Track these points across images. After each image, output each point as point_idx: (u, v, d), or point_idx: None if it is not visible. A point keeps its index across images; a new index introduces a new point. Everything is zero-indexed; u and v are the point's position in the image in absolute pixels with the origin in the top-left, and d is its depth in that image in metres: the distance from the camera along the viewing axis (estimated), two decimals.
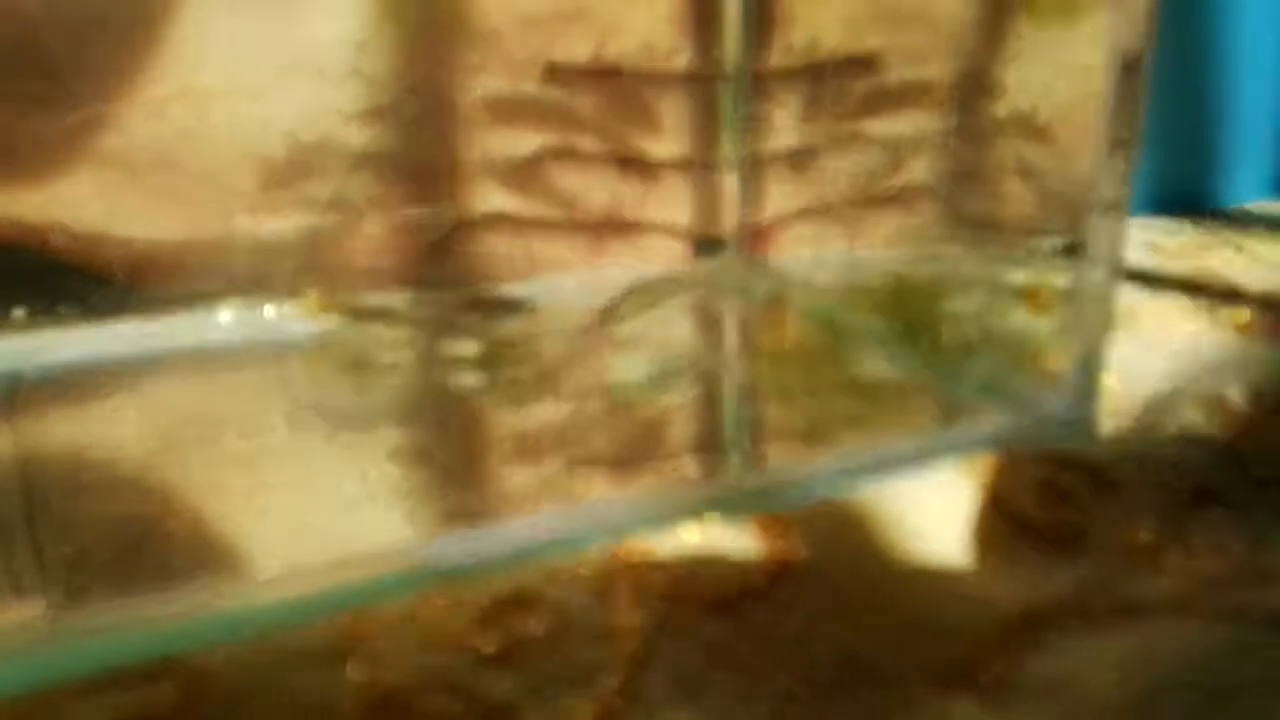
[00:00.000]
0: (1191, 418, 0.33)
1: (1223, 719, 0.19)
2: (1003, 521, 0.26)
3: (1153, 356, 0.40)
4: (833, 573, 0.24)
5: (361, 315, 0.40)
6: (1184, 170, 0.69)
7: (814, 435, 0.32)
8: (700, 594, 0.23)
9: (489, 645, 0.21)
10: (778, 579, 0.24)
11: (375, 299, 0.42)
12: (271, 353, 0.41)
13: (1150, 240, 0.60)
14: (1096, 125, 0.31)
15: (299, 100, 0.43)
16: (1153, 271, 0.53)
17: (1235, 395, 0.34)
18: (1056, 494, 0.27)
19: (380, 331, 0.40)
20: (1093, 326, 0.32)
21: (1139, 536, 0.25)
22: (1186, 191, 0.68)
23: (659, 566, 0.23)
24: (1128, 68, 0.31)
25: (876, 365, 0.34)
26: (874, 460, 0.29)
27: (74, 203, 0.41)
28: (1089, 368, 0.32)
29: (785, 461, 0.30)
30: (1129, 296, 0.48)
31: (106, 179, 0.41)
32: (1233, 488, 0.28)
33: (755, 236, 0.51)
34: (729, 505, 0.26)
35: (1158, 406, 0.34)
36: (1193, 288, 0.49)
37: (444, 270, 0.47)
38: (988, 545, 0.26)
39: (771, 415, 0.35)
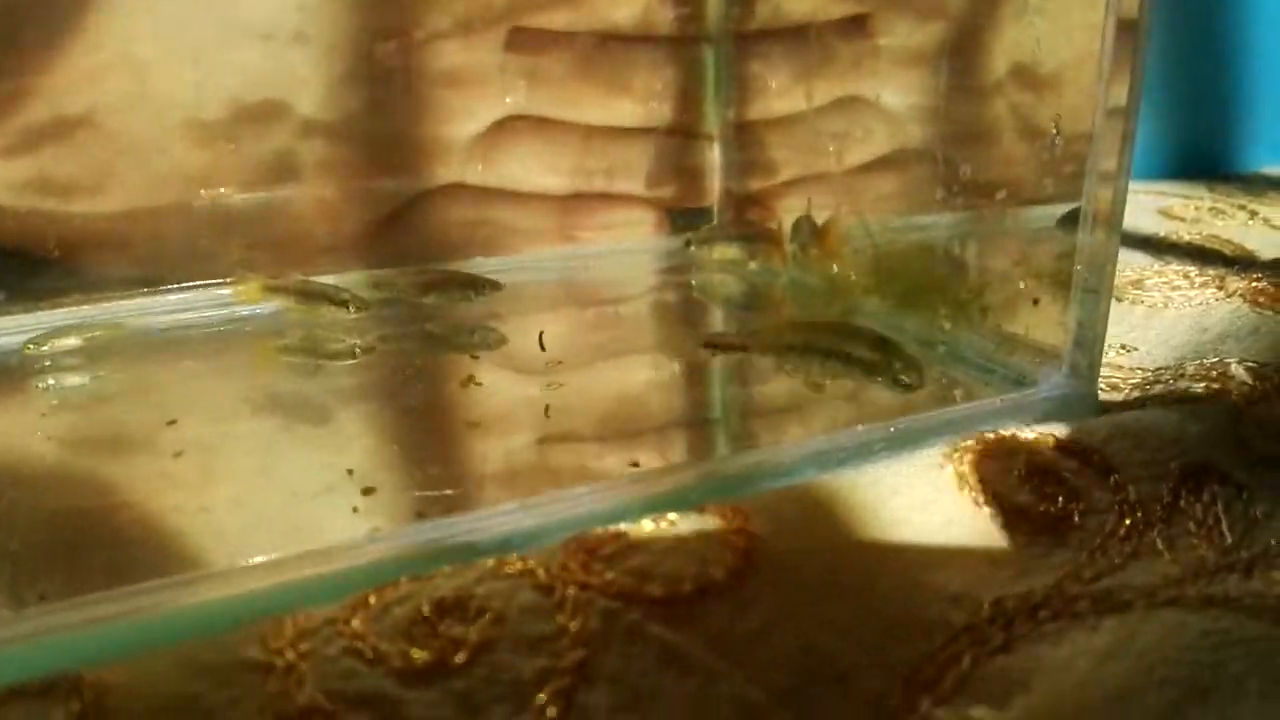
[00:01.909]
0: (1194, 391, 0.31)
1: (1198, 715, 0.17)
2: (987, 507, 0.24)
3: (1157, 327, 0.38)
4: (799, 566, 0.23)
5: (309, 297, 0.38)
6: (1201, 133, 0.66)
7: (786, 416, 0.31)
8: (653, 591, 0.21)
9: (419, 654, 0.19)
10: (739, 574, 0.22)
11: (322, 279, 0.40)
12: (216, 337, 0.40)
13: (1163, 205, 0.57)
14: (1095, 88, 0.29)
15: (242, 65, 0.41)
16: (1162, 238, 0.50)
17: (1241, 369, 0.32)
18: (1045, 477, 0.25)
19: (329, 315, 0.38)
20: (1091, 297, 0.30)
21: (1128, 522, 0.23)
22: (1203, 155, 0.65)
23: (609, 561, 0.22)
24: (1125, 28, 0.29)
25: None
26: (851, 442, 0.27)
27: (4, 179, 0.39)
28: (1087, 341, 0.30)
29: (751, 445, 0.28)
30: (1136, 264, 0.46)
31: (40, 153, 0.40)
32: (1233, 467, 0.26)
33: (742, 206, 0.49)
34: (691, 493, 0.25)
35: (1159, 380, 0.32)
36: (1203, 255, 0.47)
37: (402, 245, 0.45)
38: (970, 533, 0.24)
39: (742, 395, 0.33)
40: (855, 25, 0.44)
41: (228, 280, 0.41)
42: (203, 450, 0.29)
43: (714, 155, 0.47)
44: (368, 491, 0.25)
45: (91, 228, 0.40)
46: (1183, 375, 0.32)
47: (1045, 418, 0.29)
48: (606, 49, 0.44)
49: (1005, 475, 0.25)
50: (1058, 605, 0.21)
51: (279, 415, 0.32)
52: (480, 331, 0.40)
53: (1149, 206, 0.57)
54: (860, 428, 0.27)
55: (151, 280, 0.41)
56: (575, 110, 0.45)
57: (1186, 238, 0.50)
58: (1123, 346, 0.36)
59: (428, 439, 0.31)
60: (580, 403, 0.32)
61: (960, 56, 0.40)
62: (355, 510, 0.25)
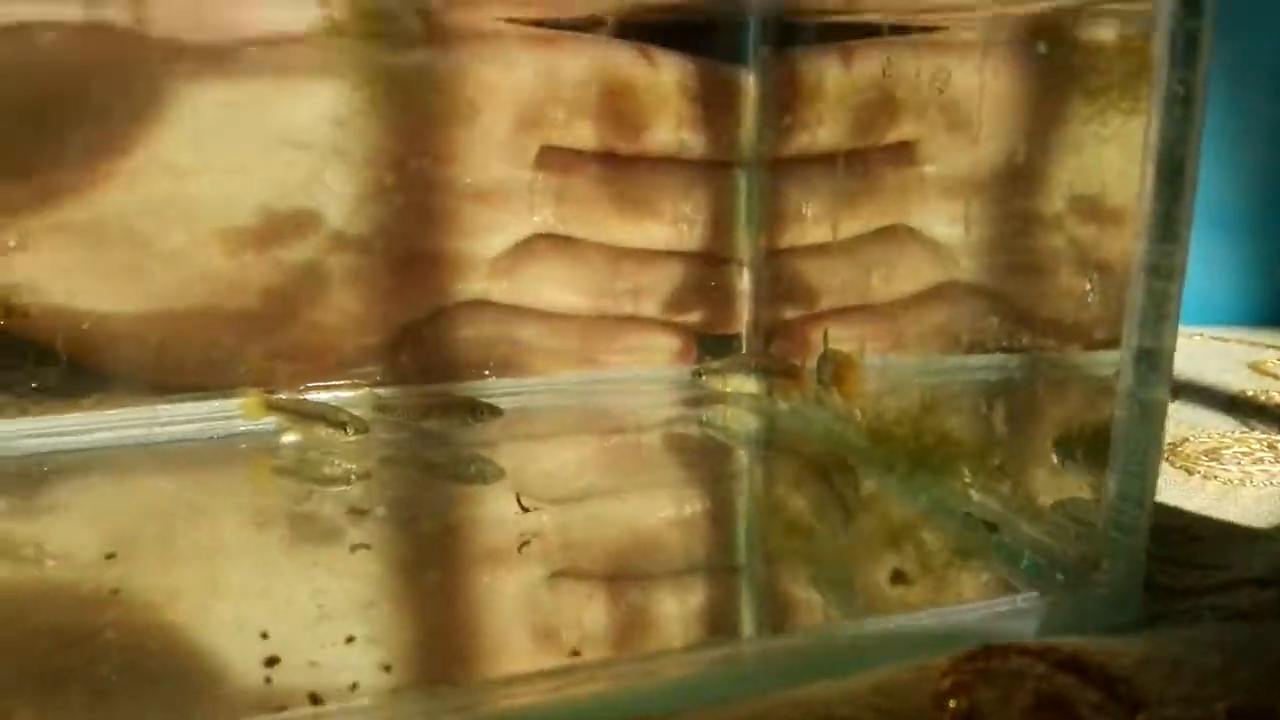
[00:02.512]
0: (1261, 603, 0.26)
1: None
2: None
3: (1228, 511, 0.33)
4: None
5: (306, 417, 0.37)
6: None
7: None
8: None
9: None
10: None
11: (320, 398, 0.39)
12: (217, 450, 0.39)
13: (1255, 358, 0.52)
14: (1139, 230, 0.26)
15: (276, 175, 0.41)
16: (1250, 398, 0.45)
17: None
18: (1057, 713, 0.21)
19: (326, 436, 0.37)
20: (1132, 470, 0.26)
21: None
22: None
23: None
24: (1170, 169, 0.25)
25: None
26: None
27: (31, 275, 0.39)
28: (1125, 525, 0.26)
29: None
30: (1216, 429, 0.41)
31: (69, 252, 0.40)
32: None
33: (774, 336, 0.46)
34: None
35: (1220, 584, 0.28)
36: None
37: (419, 361, 0.44)
38: None
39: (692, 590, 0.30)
40: (901, 151, 0.42)
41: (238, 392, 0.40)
42: (134, 590, 0.27)
43: (744, 282, 0.44)
44: (271, 662, 0.23)
45: (109, 330, 0.40)
46: (1250, 580, 0.27)
47: (1068, 629, 0.25)
48: (638, 171, 0.43)
49: (1006, 707, 0.21)
50: None
51: (233, 554, 0.30)
52: (477, 464, 0.37)
53: (1239, 359, 0.52)
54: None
55: (165, 387, 0.40)
56: (603, 232, 0.43)
57: (1277, 399, 0.45)
58: (1182, 532, 0.31)
59: (393, 598, 0.28)
60: (541, 567, 0.29)
61: (1013, 186, 0.37)
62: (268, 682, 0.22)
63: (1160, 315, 0.26)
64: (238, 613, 0.26)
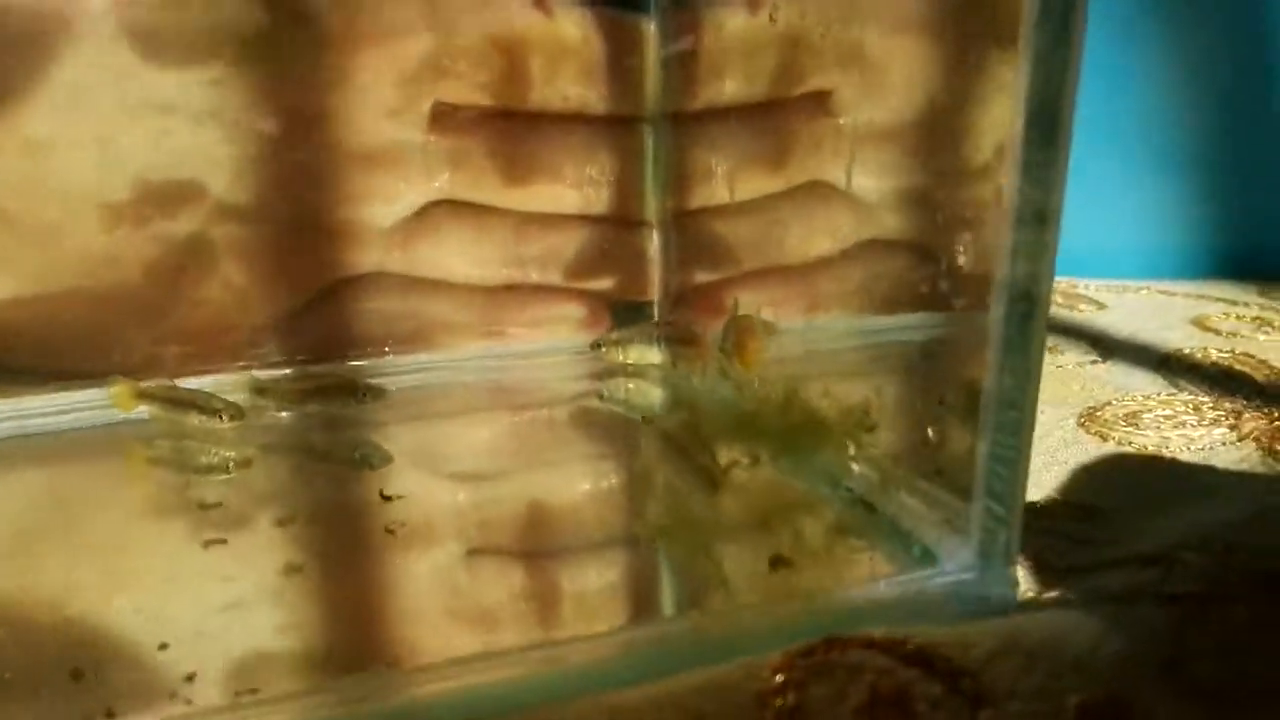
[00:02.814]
0: (1136, 584, 0.24)
1: None
2: None
3: (1137, 480, 0.32)
4: None
5: (177, 405, 0.35)
6: (1257, 226, 0.58)
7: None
8: None
9: None
10: None
11: (197, 384, 0.37)
12: (99, 441, 0.37)
13: (1199, 313, 0.50)
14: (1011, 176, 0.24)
15: (148, 143, 0.39)
16: (1185, 355, 0.43)
17: (1209, 550, 0.25)
18: (892, 712, 0.20)
19: (202, 424, 0.35)
20: (1007, 454, 0.24)
21: None
22: (1259, 252, 0.57)
23: None
24: (1041, 122, 0.23)
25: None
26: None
27: None
28: (1001, 508, 0.25)
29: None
30: (1142, 390, 0.40)
31: None
32: (1155, 700, 0.20)
33: (685, 301, 0.44)
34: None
35: (1105, 562, 0.26)
36: (1227, 381, 0.40)
37: (315, 337, 0.42)
38: None
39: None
40: (816, 103, 0.40)
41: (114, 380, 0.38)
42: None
43: (654, 246, 0.43)
44: (76, 675, 0.21)
45: None
46: (1134, 558, 0.26)
47: (936, 614, 0.23)
48: (534, 130, 0.40)
49: (838, 705, 0.20)
50: None
51: (95, 553, 0.29)
52: (363, 448, 0.36)
53: (1182, 314, 0.50)
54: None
55: (44, 376, 0.39)
56: (502, 197, 0.41)
57: (1214, 356, 0.43)
58: (1080, 507, 0.30)
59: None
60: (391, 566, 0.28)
61: (937, 136, 0.35)
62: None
63: (1034, 263, 0.24)
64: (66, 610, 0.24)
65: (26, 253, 0.38)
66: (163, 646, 0.23)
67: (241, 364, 0.40)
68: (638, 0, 0.41)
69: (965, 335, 0.30)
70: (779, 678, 0.20)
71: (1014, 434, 0.24)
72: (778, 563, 0.25)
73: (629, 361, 0.40)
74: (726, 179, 0.41)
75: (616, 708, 0.19)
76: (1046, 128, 0.23)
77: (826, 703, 0.20)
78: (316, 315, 0.41)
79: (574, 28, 0.40)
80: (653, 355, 0.39)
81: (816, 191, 0.40)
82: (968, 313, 0.27)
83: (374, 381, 0.37)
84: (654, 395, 0.40)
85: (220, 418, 0.35)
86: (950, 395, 0.28)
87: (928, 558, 0.25)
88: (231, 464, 0.35)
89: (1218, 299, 0.52)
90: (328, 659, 0.24)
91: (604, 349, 0.40)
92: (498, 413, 0.40)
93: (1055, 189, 0.23)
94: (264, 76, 0.38)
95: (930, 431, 0.27)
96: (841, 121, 0.39)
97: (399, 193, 0.41)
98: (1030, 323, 0.24)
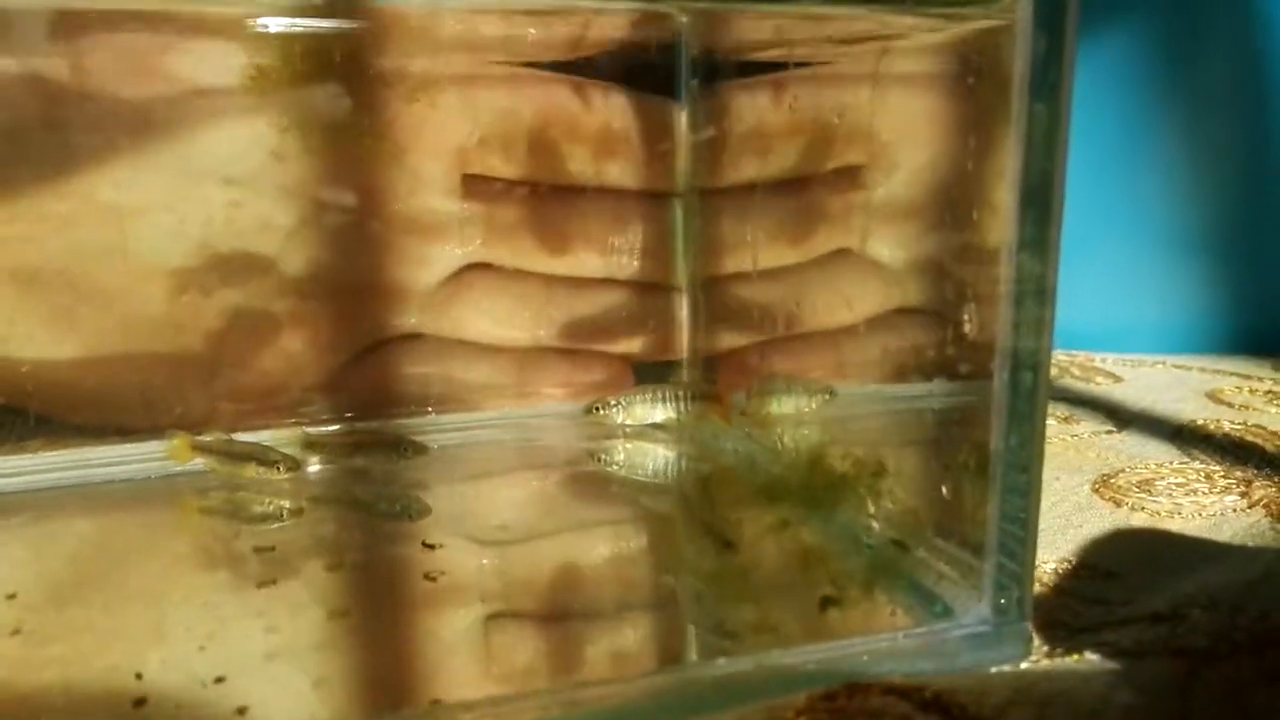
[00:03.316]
0: (1147, 639, 0.25)
1: None
2: None
3: (1150, 545, 0.33)
4: None
5: (235, 458, 0.37)
6: (1276, 305, 0.59)
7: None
8: None
9: None
10: None
11: (249, 438, 0.39)
12: (154, 493, 0.39)
13: (1213, 387, 0.51)
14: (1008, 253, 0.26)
15: (209, 212, 0.41)
16: (1198, 427, 0.45)
17: (1217, 609, 0.26)
18: None
19: (259, 476, 0.37)
20: (1016, 500, 0.26)
21: None
22: (1277, 329, 0.59)
23: None
24: (1035, 200, 0.25)
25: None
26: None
27: None
28: (1013, 562, 0.26)
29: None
30: (1155, 459, 0.41)
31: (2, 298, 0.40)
32: None
33: (714, 368, 0.46)
34: None
35: (1117, 619, 0.27)
36: (1238, 451, 0.41)
37: (355, 396, 0.44)
38: None
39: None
40: (846, 177, 0.42)
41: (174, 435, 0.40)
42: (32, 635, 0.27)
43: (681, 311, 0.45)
44: (139, 703, 0.23)
45: (49, 376, 0.41)
46: (1145, 616, 0.27)
47: (954, 664, 0.24)
48: (566, 202, 0.43)
49: None
50: None
51: (146, 596, 0.30)
52: (403, 500, 0.38)
53: (1196, 388, 0.51)
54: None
55: (105, 431, 0.41)
56: (538, 262, 0.43)
57: (1226, 428, 0.44)
58: (1094, 569, 0.31)
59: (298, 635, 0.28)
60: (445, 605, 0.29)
61: (955, 211, 0.37)
62: None
63: (1034, 335, 0.25)
64: (119, 653, 0.26)
65: (94, 315, 0.40)
66: (218, 680, 0.24)
67: (291, 420, 0.42)
68: (670, 88, 0.44)
69: (976, 401, 0.32)
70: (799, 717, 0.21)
71: (1023, 495, 0.26)
72: (827, 603, 0.27)
73: (628, 423, 0.41)
74: (751, 249, 0.43)
75: None
76: (1040, 206, 0.25)
77: None
78: (360, 374, 0.43)
79: (608, 111, 0.43)
80: (654, 416, 0.41)
81: (836, 261, 0.42)
82: (976, 380, 0.29)
83: (418, 438, 0.39)
84: (651, 456, 0.42)
85: (278, 469, 0.37)
86: (964, 459, 0.29)
87: (945, 612, 0.27)
88: (285, 513, 0.36)
89: (1231, 373, 0.54)
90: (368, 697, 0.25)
91: (601, 411, 0.41)
92: (526, 471, 0.42)
93: (1050, 264, 0.25)
94: (319, 158, 0.41)
95: (945, 491, 0.29)
96: (855, 197, 0.41)
97: (440, 257, 0.43)
98: (1033, 391, 0.25)
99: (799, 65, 0.38)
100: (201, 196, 0.40)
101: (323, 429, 0.40)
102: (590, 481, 0.41)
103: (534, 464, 0.42)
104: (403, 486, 0.39)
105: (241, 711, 0.23)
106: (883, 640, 0.25)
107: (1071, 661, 0.25)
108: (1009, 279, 0.25)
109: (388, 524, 0.36)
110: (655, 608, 0.30)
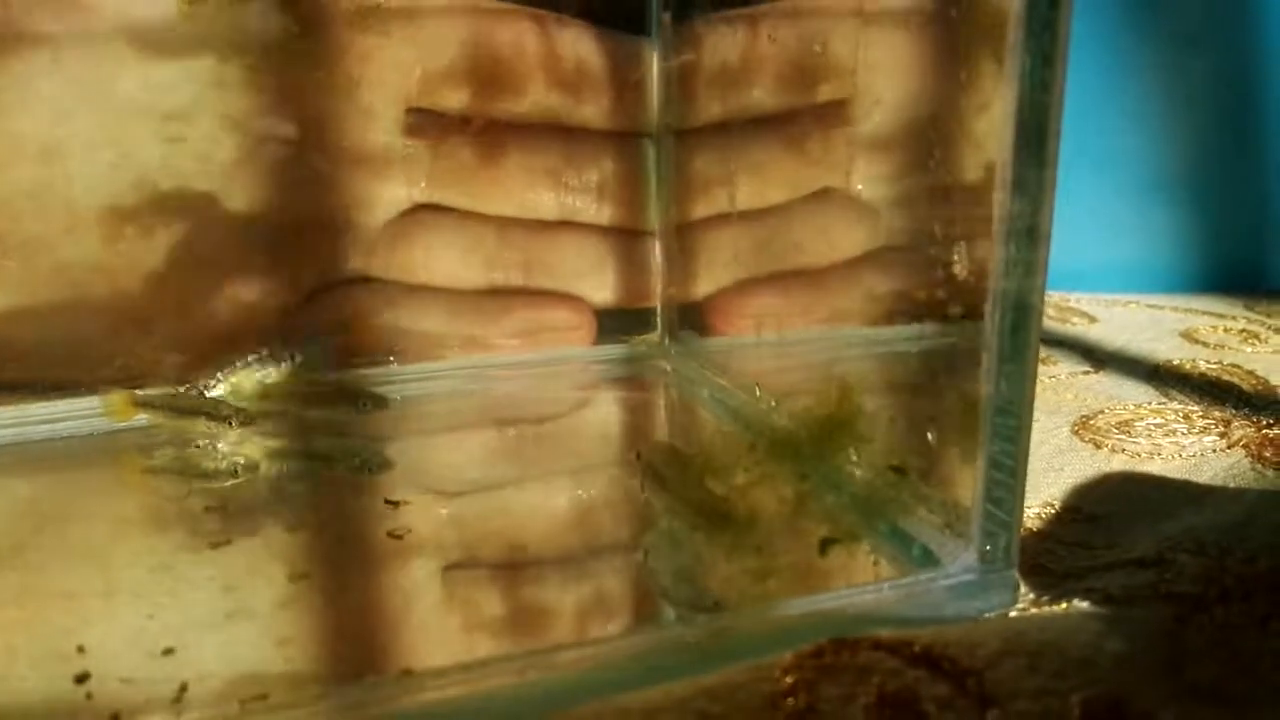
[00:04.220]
0: (1134, 585, 0.25)
1: None
2: None
3: (1131, 487, 0.32)
4: None
5: (183, 413, 0.35)
6: (1243, 242, 0.59)
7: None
8: None
9: None
10: None
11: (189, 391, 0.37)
12: (95, 450, 0.37)
13: (1187, 326, 0.51)
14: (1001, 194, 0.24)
15: (142, 149, 0.39)
16: (1174, 367, 0.44)
17: (1204, 553, 0.26)
18: (900, 712, 0.20)
19: (208, 431, 0.35)
20: (1004, 459, 0.25)
21: None
22: (1245, 267, 0.59)
23: None
24: (1029, 139, 0.24)
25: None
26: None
27: None
28: (1001, 512, 0.25)
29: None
30: (1133, 400, 0.40)
31: None
32: (1157, 702, 0.21)
33: (687, 312, 0.44)
34: None
35: (1103, 565, 0.27)
36: (1216, 390, 0.41)
37: (302, 341, 0.42)
38: None
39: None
40: (813, 115, 0.40)
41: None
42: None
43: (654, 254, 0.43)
44: (81, 679, 0.21)
45: None
46: (1131, 561, 0.26)
47: (942, 614, 0.24)
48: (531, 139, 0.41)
49: (848, 705, 0.20)
50: None
51: (92, 560, 0.29)
52: (363, 454, 0.36)
53: (1171, 327, 0.51)
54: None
55: (43, 386, 0.39)
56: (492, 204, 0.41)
57: (1203, 368, 0.43)
58: (1077, 512, 0.30)
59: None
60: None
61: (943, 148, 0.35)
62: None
63: (1026, 276, 0.24)
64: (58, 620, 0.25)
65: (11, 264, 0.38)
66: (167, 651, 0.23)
67: (240, 367, 0.40)
68: (640, 25, 0.42)
69: (964, 345, 0.30)
70: (789, 679, 0.20)
71: (1012, 441, 0.25)
72: (827, 544, 0.26)
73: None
74: (731, 188, 0.42)
75: (630, 711, 0.20)
76: (1035, 145, 0.23)
77: (837, 703, 0.20)
78: (311, 320, 0.41)
79: (575, 46, 0.40)
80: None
81: (819, 200, 0.41)
82: (965, 323, 0.28)
83: (376, 390, 0.38)
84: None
85: (229, 423, 0.36)
86: (950, 403, 0.28)
87: (930, 561, 0.26)
88: (239, 468, 0.35)
89: (1205, 313, 0.53)
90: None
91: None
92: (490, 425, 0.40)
93: (1045, 204, 0.24)
94: (268, 83, 0.38)
95: (931, 437, 0.28)
96: (840, 131, 0.39)
97: (391, 197, 0.41)
98: (1024, 333, 0.24)
99: None
100: (137, 132, 0.37)
101: (271, 377, 0.38)
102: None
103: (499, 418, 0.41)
104: (362, 439, 0.37)
105: (184, 687, 0.21)
106: (868, 591, 0.24)
107: (1060, 610, 0.24)
108: (1001, 219, 0.24)
109: (349, 479, 0.35)
110: (632, 568, 0.29)
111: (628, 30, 0.42)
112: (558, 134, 0.41)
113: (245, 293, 0.40)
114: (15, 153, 0.36)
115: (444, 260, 0.41)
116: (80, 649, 0.23)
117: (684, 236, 0.43)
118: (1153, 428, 0.37)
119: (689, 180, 0.42)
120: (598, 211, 0.42)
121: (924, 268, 0.28)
